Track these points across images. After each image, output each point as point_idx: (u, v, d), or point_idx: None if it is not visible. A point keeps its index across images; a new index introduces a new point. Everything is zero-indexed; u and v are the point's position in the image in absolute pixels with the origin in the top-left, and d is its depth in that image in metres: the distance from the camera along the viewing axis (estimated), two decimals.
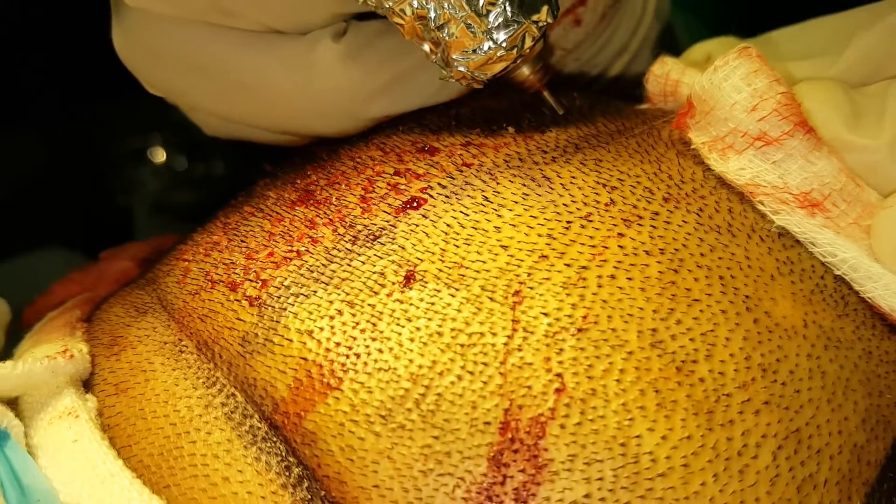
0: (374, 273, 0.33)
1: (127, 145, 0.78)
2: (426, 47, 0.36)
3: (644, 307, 0.32)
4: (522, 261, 0.33)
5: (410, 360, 0.31)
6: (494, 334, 0.31)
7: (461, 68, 0.36)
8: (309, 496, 0.31)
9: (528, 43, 0.35)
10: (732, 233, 0.34)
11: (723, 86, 0.35)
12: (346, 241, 0.35)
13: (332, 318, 0.33)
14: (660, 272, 0.32)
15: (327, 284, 0.34)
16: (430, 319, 0.32)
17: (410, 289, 0.33)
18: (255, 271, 0.36)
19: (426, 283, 0.33)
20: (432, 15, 0.34)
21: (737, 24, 0.44)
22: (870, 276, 0.34)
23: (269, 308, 0.34)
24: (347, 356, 0.32)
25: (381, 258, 0.34)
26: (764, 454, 0.30)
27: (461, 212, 0.35)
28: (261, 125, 0.42)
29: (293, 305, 0.34)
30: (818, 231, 0.34)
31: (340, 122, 0.40)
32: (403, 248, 0.34)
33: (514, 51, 0.35)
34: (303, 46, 0.38)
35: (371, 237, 0.35)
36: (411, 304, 0.32)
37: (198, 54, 0.39)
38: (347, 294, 0.33)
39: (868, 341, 0.34)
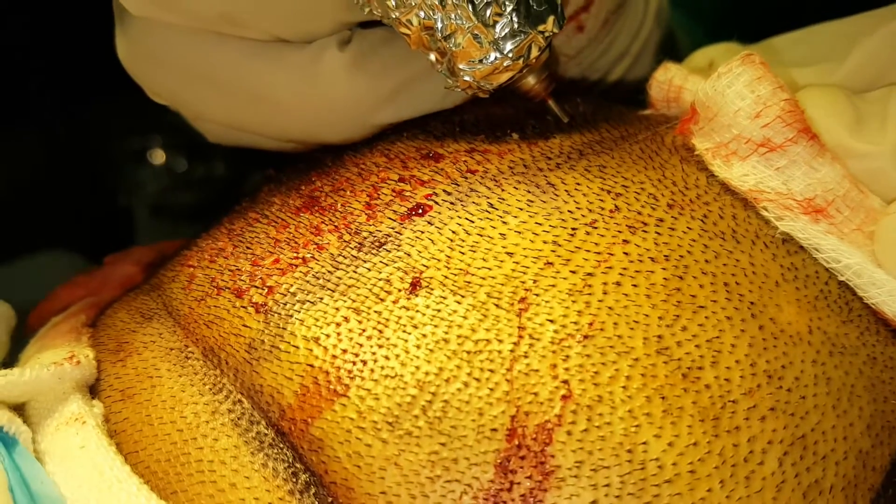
0: (379, 280, 0.34)
1: (127, 146, 0.78)
2: (432, 57, 0.36)
3: (650, 314, 0.32)
4: (528, 267, 0.33)
5: (417, 367, 0.31)
6: (500, 341, 0.31)
7: (467, 78, 0.36)
8: (316, 502, 0.32)
9: (535, 53, 0.35)
10: (737, 239, 0.34)
11: (726, 92, 0.35)
12: (352, 248, 0.35)
13: (338, 324, 0.33)
14: (665, 279, 0.33)
15: (333, 291, 0.34)
16: (436, 326, 0.32)
17: (416, 295, 0.33)
18: (260, 278, 0.36)
19: (432, 289, 0.33)
20: (439, 25, 0.35)
21: (736, 28, 0.44)
22: (873, 282, 0.34)
23: (276, 315, 0.34)
24: (354, 363, 0.32)
25: (387, 265, 0.34)
26: (770, 460, 0.31)
27: (466, 218, 0.35)
28: (266, 133, 0.42)
29: (299, 312, 0.34)
30: (822, 237, 0.34)
31: (346, 130, 0.40)
32: (409, 254, 0.34)
33: (521, 61, 0.35)
34: (308, 55, 0.38)
35: (377, 244, 0.35)
36: (417, 311, 0.32)
37: (203, 63, 0.39)
38: (353, 301, 0.33)
39: (872, 347, 0.34)
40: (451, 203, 0.35)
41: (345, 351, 0.32)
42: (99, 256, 0.52)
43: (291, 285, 0.35)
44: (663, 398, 0.30)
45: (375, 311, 0.33)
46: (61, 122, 0.75)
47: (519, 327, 0.31)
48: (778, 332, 0.32)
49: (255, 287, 0.36)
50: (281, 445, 0.33)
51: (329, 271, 0.35)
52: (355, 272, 0.34)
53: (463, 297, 0.32)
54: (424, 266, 0.33)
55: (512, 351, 0.31)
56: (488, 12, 0.34)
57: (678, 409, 0.30)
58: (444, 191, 0.36)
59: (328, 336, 0.33)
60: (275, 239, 0.37)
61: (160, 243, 0.51)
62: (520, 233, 0.34)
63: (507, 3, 0.34)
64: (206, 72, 0.39)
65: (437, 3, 0.34)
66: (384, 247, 0.35)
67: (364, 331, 0.33)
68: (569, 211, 0.34)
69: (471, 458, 0.30)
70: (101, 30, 0.45)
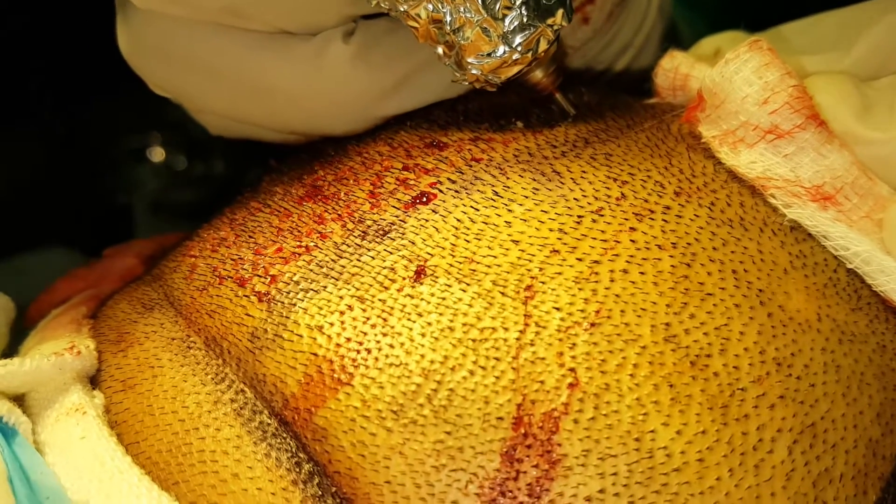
0: (384, 268, 0.33)
1: (126, 144, 0.77)
2: (440, 50, 0.36)
3: (657, 301, 0.31)
4: (534, 255, 0.32)
5: (422, 356, 0.31)
6: (506, 329, 0.31)
7: (475, 71, 0.36)
8: (320, 492, 0.31)
9: (543, 46, 0.35)
10: (744, 227, 0.34)
11: (734, 79, 0.35)
12: (356, 237, 0.35)
13: (342, 313, 0.33)
14: (672, 266, 0.32)
15: (337, 280, 0.34)
16: (441, 314, 0.32)
17: (421, 284, 0.33)
18: (263, 267, 0.36)
19: (437, 277, 0.33)
20: (448, 19, 0.34)
21: (737, 21, 0.44)
22: (882, 269, 0.33)
23: (279, 303, 0.34)
24: (358, 351, 0.32)
25: (391, 253, 0.34)
26: (779, 449, 0.30)
27: (471, 207, 0.34)
28: (269, 125, 0.42)
29: (303, 301, 0.34)
30: (830, 224, 0.34)
31: (350, 122, 0.40)
32: (413, 243, 0.34)
33: (529, 54, 0.35)
34: (313, 48, 0.37)
35: (380, 232, 0.34)
36: (422, 300, 0.32)
37: (207, 56, 0.39)
38: (357, 289, 0.33)
39: (882, 335, 0.34)
40: (456, 191, 0.35)
41: (349, 339, 0.32)
42: (98, 254, 0.52)
43: (294, 274, 0.35)
44: (671, 386, 0.30)
45: (380, 300, 0.33)
46: (60, 120, 0.75)
47: (525, 315, 0.31)
48: (787, 319, 0.32)
49: (258, 276, 0.35)
50: (284, 435, 0.32)
51: (332, 260, 0.34)
52: (359, 260, 0.34)
53: (468, 285, 0.32)
54: (429, 254, 0.33)
55: (518, 339, 0.31)
56: (497, 6, 0.34)
57: (686, 397, 0.30)
58: (448, 179, 0.36)
59: (332, 324, 0.33)
60: (277, 228, 0.37)
61: (160, 236, 0.51)
62: (525, 221, 0.34)
63: None
64: (210, 64, 0.39)
65: None
66: (388, 235, 0.34)
67: (368, 319, 0.32)
68: (574, 199, 0.34)
69: (476, 447, 0.30)
70: (99, 28, 0.45)
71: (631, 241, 0.33)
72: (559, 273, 0.32)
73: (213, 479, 0.32)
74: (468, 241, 0.33)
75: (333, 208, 0.36)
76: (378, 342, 0.32)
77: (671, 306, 0.31)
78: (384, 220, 0.35)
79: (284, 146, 0.45)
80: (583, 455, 0.29)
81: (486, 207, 0.34)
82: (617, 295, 0.31)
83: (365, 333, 0.32)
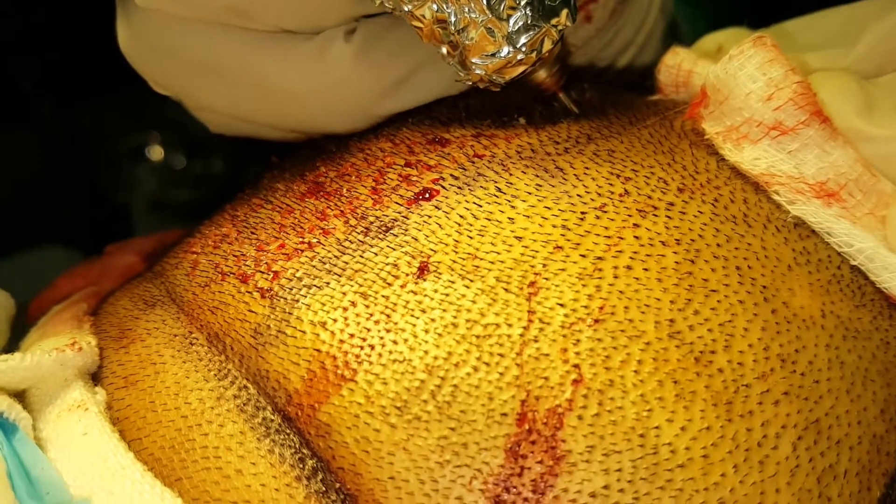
0: (387, 264, 0.33)
1: (125, 143, 0.77)
2: (444, 50, 0.36)
3: (661, 298, 0.31)
4: (537, 252, 0.32)
5: (426, 352, 0.31)
6: (510, 325, 0.31)
7: (479, 71, 0.35)
8: (323, 488, 0.31)
9: (548, 46, 0.35)
10: (748, 223, 0.34)
11: (738, 75, 0.35)
12: (359, 233, 0.35)
13: (345, 309, 0.33)
14: (676, 262, 0.32)
15: (340, 276, 0.34)
16: (444, 311, 0.32)
17: (424, 280, 0.32)
18: (266, 263, 0.35)
19: (440, 274, 0.32)
20: (452, 19, 0.34)
21: (740, 17, 0.44)
22: (886, 266, 0.34)
23: (282, 300, 0.34)
24: (362, 347, 0.32)
25: (394, 249, 0.34)
26: (784, 445, 0.30)
27: (474, 203, 0.34)
28: (271, 124, 0.42)
29: (306, 297, 0.34)
30: (834, 221, 0.34)
31: (352, 120, 0.40)
32: (416, 239, 0.34)
33: (534, 54, 0.35)
34: (315, 47, 0.37)
35: (383, 228, 0.34)
36: (426, 296, 0.32)
37: (210, 55, 0.38)
38: (361, 285, 0.33)
39: (886, 332, 0.34)
40: (459, 187, 0.35)
41: (352, 335, 0.32)
42: (97, 253, 0.52)
43: (297, 270, 0.34)
44: (676, 382, 0.30)
45: (383, 296, 0.32)
46: (59, 120, 0.75)
47: (529, 311, 0.31)
48: (791, 315, 0.32)
49: (261, 272, 0.35)
50: (287, 431, 0.32)
51: (335, 256, 0.34)
52: (362, 257, 0.34)
53: (472, 281, 0.32)
54: (432, 250, 0.33)
55: (522, 335, 0.31)
56: (502, 6, 0.34)
57: (691, 394, 0.30)
58: (451, 175, 0.36)
59: (335, 320, 0.33)
60: (280, 224, 0.37)
61: (161, 233, 0.51)
62: (528, 217, 0.34)
63: None
64: (212, 63, 0.39)
65: None
66: (391, 231, 0.34)
67: (372, 315, 0.32)
68: (578, 195, 0.34)
69: (480, 443, 0.30)
70: (98, 28, 0.45)
71: (634, 237, 0.33)
72: (563, 269, 0.32)
73: (216, 476, 0.32)
74: (471, 238, 0.33)
75: (336, 204, 0.36)
76: (381, 338, 0.32)
77: (675, 303, 0.31)
78: (387, 216, 0.35)
79: (285, 144, 0.45)
80: (587, 451, 0.29)
81: (489, 204, 0.34)
82: (621, 291, 0.31)
83: (368, 329, 0.32)
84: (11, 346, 0.42)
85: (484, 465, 0.30)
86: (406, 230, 0.34)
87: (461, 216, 0.34)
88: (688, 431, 0.30)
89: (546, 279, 0.32)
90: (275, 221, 0.37)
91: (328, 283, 0.34)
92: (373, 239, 0.34)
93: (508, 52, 0.35)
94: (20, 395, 0.36)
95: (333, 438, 0.31)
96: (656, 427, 0.30)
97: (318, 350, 0.32)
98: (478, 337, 0.31)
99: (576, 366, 0.30)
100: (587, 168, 0.35)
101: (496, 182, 0.35)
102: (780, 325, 0.32)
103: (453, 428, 0.30)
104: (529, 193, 0.34)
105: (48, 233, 0.71)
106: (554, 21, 0.35)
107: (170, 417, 0.34)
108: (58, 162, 0.75)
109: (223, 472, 0.32)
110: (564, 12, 0.35)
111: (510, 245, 0.33)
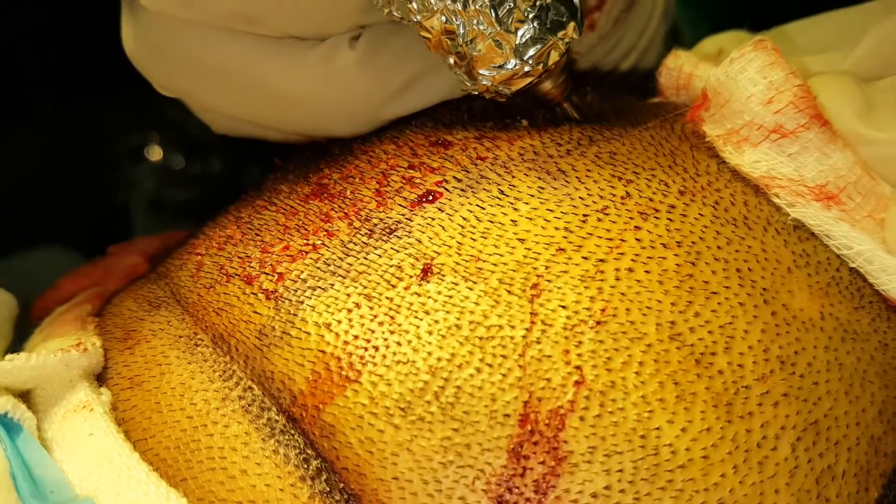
0: (391, 266, 0.34)
1: (124, 144, 0.77)
2: (451, 60, 0.36)
3: (662, 300, 0.32)
4: (540, 254, 0.33)
5: (429, 353, 0.31)
6: (513, 327, 0.31)
7: (485, 82, 0.36)
8: (328, 488, 0.31)
9: (554, 58, 0.36)
10: (748, 225, 0.34)
11: (738, 78, 0.35)
12: (362, 235, 0.35)
13: (349, 311, 0.33)
14: (677, 265, 0.32)
15: (344, 278, 0.34)
16: (448, 312, 0.32)
17: (428, 282, 0.33)
18: (270, 264, 0.36)
19: (444, 276, 0.33)
20: (461, 31, 0.35)
21: (741, 21, 0.44)
22: (885, 268, 0.34)
23: (287, 301, 0.34)
24: (366, 349, 0.32)
25: (398, 251, 0.34)
26: (783, 446, 0.31)
27: (477, 205, 0.35)
28: (275, 127, 0.42)
29: (310, 298, 0.34)
30: (834, 224, 0.34)
31: (357, 124, 0.40)
32: (420, 241, 0.34)
33: (540, 66, 0.36)
34: (321, 54, 0.38)
35: (387, 230, 0.35)
36: (429, 297, 0.32)
37: (216, 59, 0.39)
38: (365, 287, 0.33)
39: (884, 333, 0.34)
40: (462, 190, 0.35)
41: (356, 337, 0.32)
42: (96, 253, 0.52)
43: (302, 272, 0.35)
44: (676, 384, 0.30)
45: (387, 298, 0.33)
46: (58, 120, 0.75)
47: (531, 313, 0.31)
48: (790, 318, 0.32)
49: (265, 274, 0.36)
50: (292, 432, 0.32)
51: (339, 258, 0.35)
52: (366, 258, 0.34)
53: (475, 283, 0.32)
54: (436, 252, 0.33)
55: (524, 337, 0.31)
56: (511, 19, 0.34)
57: (691, 395, 0.30)
58: (454, 177, 0.36)
59: (340, 322, 0.33)
60: (284, 226, 0.37)
61: (164, 234, 0.51)
62: (531, 219, 0.34)
63: (529, 9, 0.35)
64: (218, 67, 0.39)
65: (459, 8, 0.34)
66: (395, 233, 0.35)
67: (376, 317, 0.32)
68: (580, 197, 0.34)
69: (483, 444, 0.30)
70: (98, 28, 0.45)
71: (636, 239, 0.33)
72: (565, 271, 0.32)
73: (221, 476, 0.32)
74: (474, 240, 0.34)
75: (340, 206, 0.37)
76: (386, 340, 0.32)
77: (676, 305, 0.32)
78: (391, 218, 0.35)
79: (287, 145, 0.45)
80: (589, 452, 0.30)
81: (492, 206, 0.34)
82: (622, 293, 0.32)
83: (372, 331, 0.32)
84: (15, 347, 0.42)
85: (487, 466, 0.30)
86: (410, 232, 0.34)
87: (464, 218, 0.34)
88: (688, 432, 0.30)
89: (548, 281, 0.32)
90: (279, 223, 0.38)
91: (332, 285, 0.34)
92: (377, 241, 0.35)
93: (515, 65, 0.35)
94: (25, 396, 0.36)
95: (338, 439, 0.31)
96: (657, 428, 0.30)
97: (322, 351, 0.32)
98: (481, 339, 0.31)
99: (578, 367, 0.30)
100: (589, 170, 0.35)
101: (499, 184, 0.35)
102: (779, 327, 0.32)
103: (456, 429, 0.30)
104: (532, 196, 0.35)
105: (47, 232, 0.71)
106: (561, 34, 0.35)
107: (175, 418, 0.34)
108: (57, 162, 0.75)
109: (228, 473, 0.32)
110: (571, 25, 0.36)
111: (513, 247, 0.33)
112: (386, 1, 0.35)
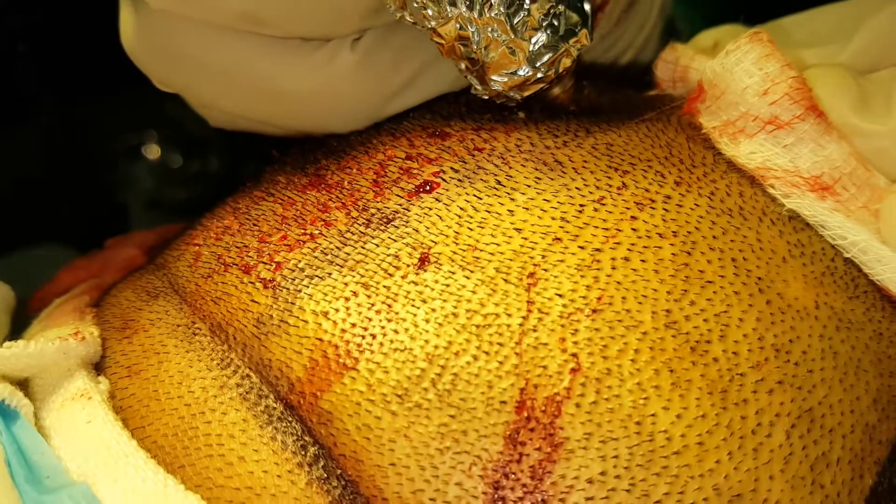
0: (388, 255, 0.34)
1: (122, 142, 0.78)
2: (462, 65, 0.36)
3: (658, 289, 0.32)
4: (536, 243, 0.33)
5: (426, 341, 0.31)
6: (509, 315, 0.31)
7: (497, 87, 0.36)
8: (325, 475, 0.32)
9: (566, 65, 0.36)
10: (744, 216, 0.34)
11: (734, 70, 0.35)
12: (360, 225, 0.35)
13: (347, 299, 0.33)
14: (673, 254, 0.33)
15: (342, 267, 0.34)
16: (445, 301, 0.32)
17: (425, 271, 0.33)
18: (268, 254, 0.36)
19: (441, 265, 0.33)
20: (475, 38, 0.35)
21: (737, 17, 0.44)
22: (879, 258, 0.34)
23: (284, 290, 0.34)
24: (363, 336, 0.32)
25: (395, 241, 0.34)
26: (778, 433, 0.31)
27: (474, 195, 0.35)
28: (276, 124, 0.42)
29: (308, 287, 0.34)
30: (828, 214, 0.34)
31: (356, 122, 0.40)
32: (417, 230, 0.34)
33: (552, 72, 0.36)
34: (325, 55, 0.38)
35: (384, 220, 0.35)
36: (426, 286, 0.33)
37: (218, 57, 0.39)
38: (362, 276, 0.33)
39: (878, 323, 0.34)
40: (459, 180, 0.36)
41: (354, 325, 0.32)
42: (94, 251, 0.52)
43: (299, 261, 0.35)
44: (672, 371, 0.31)
45: (384, 286, 0.33)
46: (56, 118, 0.75)
47: (528, 302, 0.32)
48: (785, 306, 0.33)
49: (263, 263, 0.36)
50: (290, 419, 0.33)
51: (337, 247, 0.35)
52: (363, 248, 0.34)
53: (472, 272, 0.33)
54: (433, 242, 0.34)
55: (521, 325, 0.31)
56: (525, 27, 0.35)
57: (686, 382, 0.31)
58: (451, 168, 0.36)
59: (337, 310, 0.33)
60: (282, 216, 0.37)
61: (161, 227, 0.51)
62: (528, 209, 0.34)
63: (543, 17, 0.35)
64: (219, 66, 0.39)
65: (475, 16, 0.35)
66: (392, 223, 0.35)
67: (373, 305, 0.33)
68: (576, 188, 0.35)
69: (480, 430, 0.30)
70: (96, 27, 0.45)
71: (632, 229, 0.33)
72: (561, 260, 0.32)
73: (219, 462, 0.32)
74: (471, 230, 0.34)
75: (337, 197, 0.37)
76: (383, 328, 0.32)
77: (672, 293, 0.32)
78: (388, 208, 0.35)
79: (285, 139, 0.45)
80: (585, 438, 0.30)
81: (489, 196, 0.35)
82: (618, 282, 0.32)
83: (370, 319, 0.32)
84: (13, 338, 0.42)
85: (483, 452, 0.30)
86: (407, 222, 0.35)
87: (461, 208, 0.34)
88: (683, 419, 0.30)
89: (545, 270, 0.32)
90: (277, 213, 0.38)
91: (330, 274, 0.34)
92: (374, 230, 0.35)
93: (528, 71, 0.36)
94: (23, 385, 0.36)
95: (335, 426, 0.31)
96: (652, 415, 0.30)
97: (320, 339, 0.33)
98: (478, 326, 0.31)
99: (574, 355, 0.31)
100: (585, 161, 0.36)
101: (496, 175, 0.35)
102: (774, 315, 0.32)
103: (453, 415, 0.30)
104: (528, 186, 0.35)
105: (45, 230, 0.71)
106: (573, 41, 0.36)
107: (173, 406, 0.34)
108: (55, 160, 0.75)
109: (226, 459, 0.32)
110: (583, 32, 0.36)
111: (510, 237, 0.33)
112: (399, 6, 0.36)
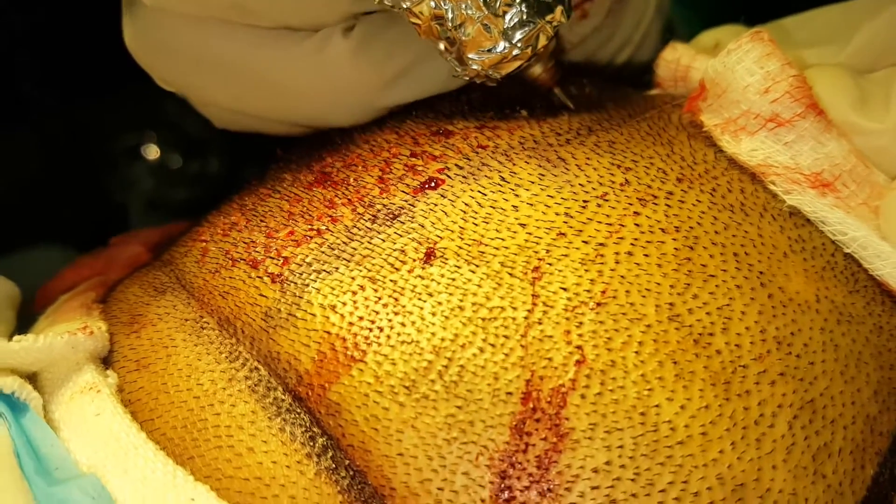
0: (394, 250, 0.34)
1: (121, 143, 0.78)
2: (441, 46, 0.37)
3: (661, 282, 0.32)
4: (541, 238, 0.33)
5: (433, 334, 0.32)
6: (515, 308, 0.32)
7: (475, 66, 0.37)
8: (333, 465, 0.32)
9: (542, 42, 0.36)
10: (745, 211, 0.35)
11: (736, 68, 0.36)
12: (366, 220, 0.36)
13: (354, 293, 0.33)
14: (676, 249, 0.33)
15: (349, 261, 0.34)
16: (451, 294, 0.33)
17: (431, 265, 0.33)
18: (276, 249, 0.36)
19: (446, 259, 0.33)
20: (450, 15, 0.35)
21: (735, 19, 0.45)
22: (878, 254, 0.35)
23: (292, 284, 0.35)
24: (371, 329, 0.33)
25: (402, 236, 0.34)
26: (780, 423, 0.31)
27: (479, 191, 0.35)
28: (274, 118, 0.43)
29: (315, 282, 0.34)
30: (829, 210, 0.35)
31: (353, 114, 0.41)
32: (423, 226, 0.35)
33: (529, 50, 0.36)
34: (315, 43, 0.38)
35: (390, 216, 0.35)
36: (432, 280, 0.33)
37: (213, 52, 0.39)
38: (369, 270, 0.34)
39: (878, 317, 0.35)
40: (464, 177, 0.36)
41: (361, 318, 0.33)
42: (98, 250, 0.52)
43: (307, 256, 0.35)
44: (675, 363, 0.31)
45: (391, 280, 0.33)
46: (56, 119, 0.75)
47: (533, 295, 0.32)
48: (786, 300, 0.33)
49: (271, 258, 0.36)
50: (298, 410, 0.33)
51: (344, 242, 0.35)
52: (370, 243, 0.35)
53: (477, 266, 0.33)
54: (438, 237, 0.34)
55: (526, 318, 0.32)
56: (498, 3, 0.35)
57: (690, 374, 0.31)
58: (455, 165, 0.37)
59: (345, 304, 0.33)
60: (288, 212, 0.38)
61: (166, 225, 0.52)
62: (532, 205, 0.34)
63: None
64: (216, 59, 0.40)
65: None
66: (398, 219, 0.35)
67: (380, 299, 0.33)
68: (580, 184, 0.35)
69: (487, 421, 0.31)
70: (96, 28, 0.45)
71: (635, 224, 0.34)
72: (566, 255, 0.33)
73: (228, 454, 0.33)
74: (476, 225, 0.34)
75: (343, 193, 0.37)
76: (390, 320, 0.32)
77: (675, 287, 0.32)
78: (394, 204, 0.36)
79: (288, 139, 0.46)
80: (590, 429, 0.30)
81: (494, 192, 0.35)
82: (622, 276, 0.32)
83: (377, 312, 0.33)
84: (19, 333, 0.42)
85: (490, 442, 0.30)
86: (413, 217, 0.35)
87: (466, 204, 0.35)
88: (687, 410, 0.31)
89: (549, 264, 0.33)
90: (283, 210, 0.38)
91: (337, 269, 0.34)
92: (380, 226, 0.35)
93: (504, 48, 0.36)
94: (32, 379, 0.36)
95: (343, 417, 0.32)
96: (656, 405, 0.30)
97: (328, 332, 0.33)
98: (483, 319, 0.32)
99: (579, 347, 0.31)
100: (588, 158, 0.36)
101: (500, 171, 0.36)
102: (776, 308, 0.33)
103: (460, 406, 0.31)
104: (532, 182, 0.35)
105: (45, 231, 0.71)
106: (549, 17, 0.36)
107: (182, 398, 0.34)
108: (55, 161, 0.75)
109: (235, 451, 0.33)
110: (559, 9, 0.36)
111: (514, 232, 0.34)
112: None
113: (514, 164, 0.36)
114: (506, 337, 0.31)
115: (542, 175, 0.35)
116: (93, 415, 0.34)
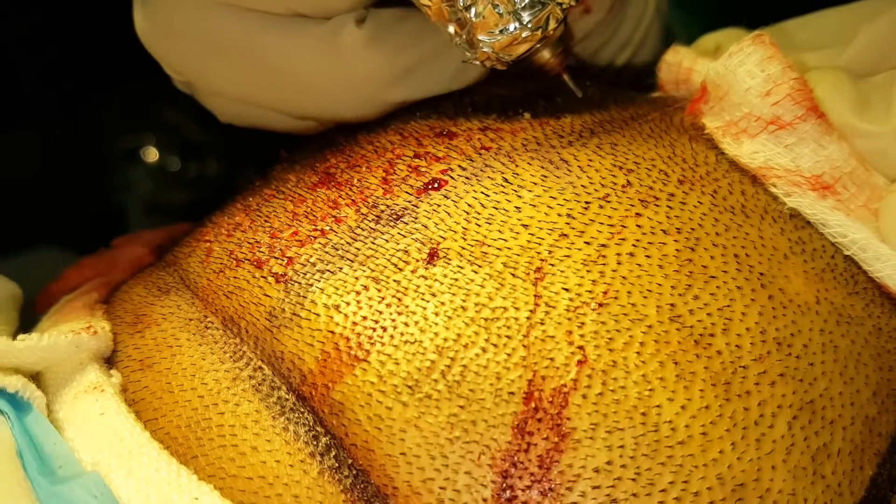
0: (398, 250, 0.34)
1: (120, 145, 0.78)
2: (451, 29, 0.37)
3: (662, 283, 0.33)
4: (543, 239, 0.34)
5: (436, 334, 0.32)
6: (517, 308, 0.32)
7: (486, 49, 0.37)
8: (336, 464, 0.32)
9: (552, 24, 0.37)
10: (746, 213, 0.35)
11: (737, 71, 0.36)
12: (370, 221, 0.36)
13: (358, 293, 0.34)
14: (677, 250, 0.33)
15: (352, 261, 0.35)
16: (454, 294, 0.33)
17: (434, 265, 0.34)
18: (280, 249, 0.37)
19: (449, 259, 0.34)
20: None
21: (734, 23, 0.45)
22: (878, 256, 0.35)
23: (296, 284, 0.35)
24: (374, 329, 0.33)
25: (405, 236, 0.35)
26: (779, 424, 0.31)
27: (482, 192, 0.35)
28: (281, 109, 0.43)
29: (319, 282, 0.35)
30: (829, 213, 0.35)
31: (361, 106, 0.41)
32: (426, 227, 0.35)
33: (539, 31, 0.36)
34: (327, 31, 0.38)
35: (394, 217, 0.36)
36: (435, 280, 0.33)
37: (223, 37, 0.40)
38: (373, 270, 0.34)
39: (878, 318, 0.35)
40: (467, 178, 0.36)
41: (365, 318, 0.33)
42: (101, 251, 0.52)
43: (311, 256, 0.36)
44: (676, 363, 0.31)
45: (394, 280, 0.34)
46: (56, 121, 0.75)
47: (535, 295, 0.32)
48: (787, 301, 0.33)
49: (275, 258, 0.36)
50: (302, 410, 0.33)
51: (348, 243, 0.35)
52: (373, 243, 0.35)
53: (480, 266, 0.33)
54: (441, 237, 0.34)
55: (528, 318, 0.32)
56: None
57: (690, 374, 0.31)
58: (459, 166, 0.37)
59: (348, 304, 0.34)
60: (292, 213, 0.38)
61: (169, 227, 0.52)
62: (534, 206, 0.35)
63: None
64: (226, 46, 0.40)
65: None
66: (401, 219, 0.35)
67: (383, 299, 0.33)
68: (582, 186, 0.35)
69: (489, 420, 0.31)
70: (97, 28, 0.45)
71: (637, 226, 0.34)
72: (568, 256, 0.33)
73: (232, 453, 0.33)
74: (479, 226, 0.34)
75: (347, 194, 0.37)
76: (393, 320, 0.33)
77: (676, 288, 0.33)
78: (397, 205, 0.36)
79: (291, 140, 0.46)
80: (591, 428, 0.30)
81: (497, 193, 0.35)
82: (624, 277, 0.33)
83: (380, 312, 0.33)
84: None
85: (492, 442, 0.31)
86: (416, 218, 0.35)
87: (469, 205, 0.35)
88: (688, 410, 0.31)
89: (552, 265, 0.33)
90: (287, 210, 0.38)
91: (341, 269, 0.35)
92: (384, 226, 0.35)
93: (515, 29, 0.36)
94: (35, 379, 0.37)
95: (347, 416, 0.32)
96: (657, 406, 0.31)
97: (331, 332, 0.33)
98: (486, 320, 0.32)
99: (580, 347, 0.31)
100: (591, 160, 0.36)
101: (503, 173, 0.36)
102: (776, 310, 0.33)
103: (462, 406, 0.31)
104: (535, 184, 0.36)
105: (43, 234, 0.72)
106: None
107: (186, 398, 0.35)
108: (53, 163, 0.75)
109: (239, 450, 0.33)
110: None
111: (517, 232, 0.34)
112: None
113: (516, 166, 0.36)
114: (508, 337, 0.32)
115: (545, 176, 0.36)
116: (97, 414, 0.34)
